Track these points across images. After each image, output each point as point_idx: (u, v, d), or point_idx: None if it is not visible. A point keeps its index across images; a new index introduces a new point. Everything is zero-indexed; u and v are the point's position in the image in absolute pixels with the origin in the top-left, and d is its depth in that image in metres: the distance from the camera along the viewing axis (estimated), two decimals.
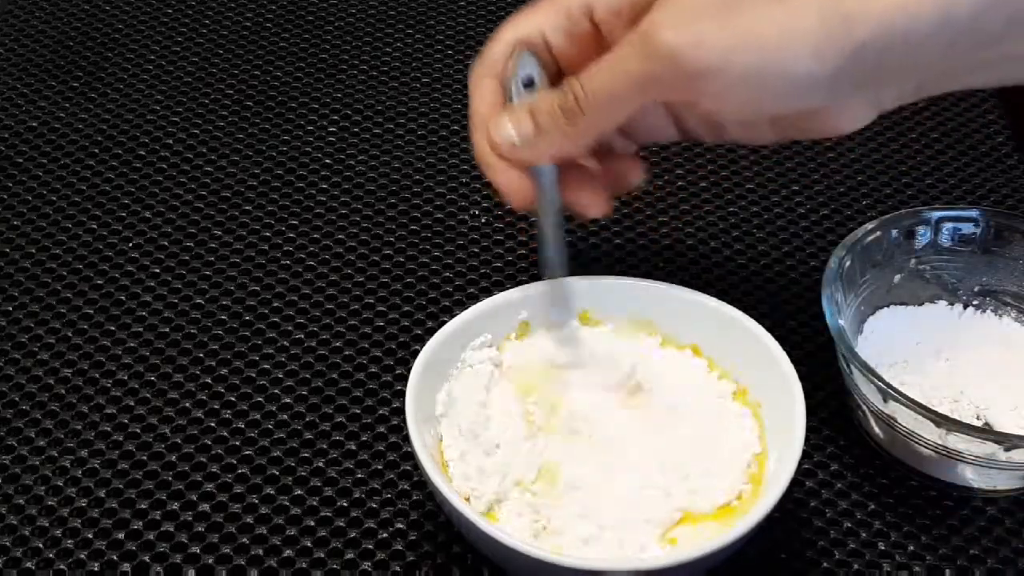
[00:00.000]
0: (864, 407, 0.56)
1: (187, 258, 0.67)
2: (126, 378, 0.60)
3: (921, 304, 0.61)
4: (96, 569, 0.52)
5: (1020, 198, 0.71)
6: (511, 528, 0.50)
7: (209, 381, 0.60)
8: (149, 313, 0.63)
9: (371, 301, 0.64)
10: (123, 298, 0.64)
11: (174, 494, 0.55)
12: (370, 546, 0.53)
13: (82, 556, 0.53)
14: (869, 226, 0.59)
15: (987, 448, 0.52)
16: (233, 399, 0.59)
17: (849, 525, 0.55)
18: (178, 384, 0.60)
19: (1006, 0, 0.45)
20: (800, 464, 0.50)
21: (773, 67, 0.46)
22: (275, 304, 0.64)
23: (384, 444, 0.57)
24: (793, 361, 0.53)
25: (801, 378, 0.52)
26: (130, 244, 0.67)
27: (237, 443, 0.57)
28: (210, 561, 0.53)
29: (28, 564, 0.53)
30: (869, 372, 0.53)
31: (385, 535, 0.54)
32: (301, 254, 0.67)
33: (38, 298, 0.64)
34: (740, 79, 0.46)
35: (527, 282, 0.58)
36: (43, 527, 0.54)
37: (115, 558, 0.53)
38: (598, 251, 0.67)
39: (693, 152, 0.73)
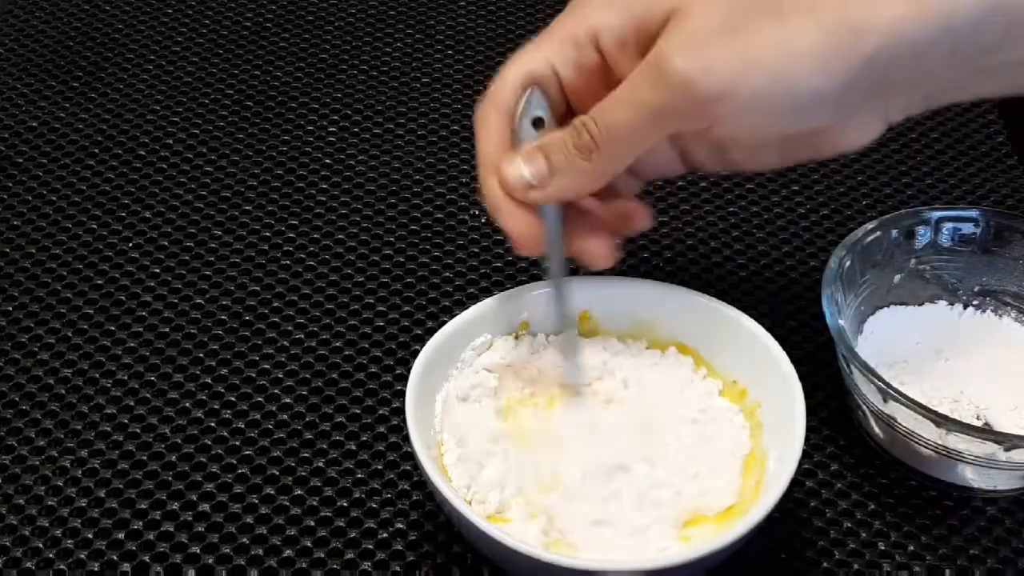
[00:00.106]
0: (864, 407, 0.56)
1: (187, 258, 0.67)
2: (126, 378, 0.60)
3: (921, 304, 0.61)
4: (96, 569, 0.52)
5: (1020, 198, 0.71)
6: (523, 539, 0.50)
7: (209, 381, 0.60)
8: (149, 313, 0.63)
9: (371, 301, 0.64)
10: (123, 298, 0.64)
11: (174, 494, 0.55)
12: (370, 546, 0.53)
13: (82, 556, 0.53)
14: (869, 226, 0.59)
15: (987, 448, 0.52)
16: (233, 399, 0.59)
17: (849, 525, 0.55)
18: (178, 384, 0.60)
19: (1004, 8, 0.45)
20: (800, 464, 0.50)
21: (782, 86, 0.46)
22: (275, 304, 0.64)
23: (384, 444, 0.57)
24: (793, 361, 0.53)
25: (801, 378, 0.52)
26: (130, 244, 0.67)
27: (237, 443, 0.57)
28: (210, 561, 0.53)
29: (28, 564, 0.53)
30: (869, 372, 0.53)
31: (385, 535, 0.54)
32: (301, 254, 0.67)
33: (38, 298, 0.64)
34: (751, 101, 0.46)
35: (527, 282, 0.58)
36: (43, 527, 0.54)
37: (115, 558, 0.53)
38: None
39: None
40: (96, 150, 0.73)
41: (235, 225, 0.69)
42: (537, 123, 0.52)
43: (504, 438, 0.53)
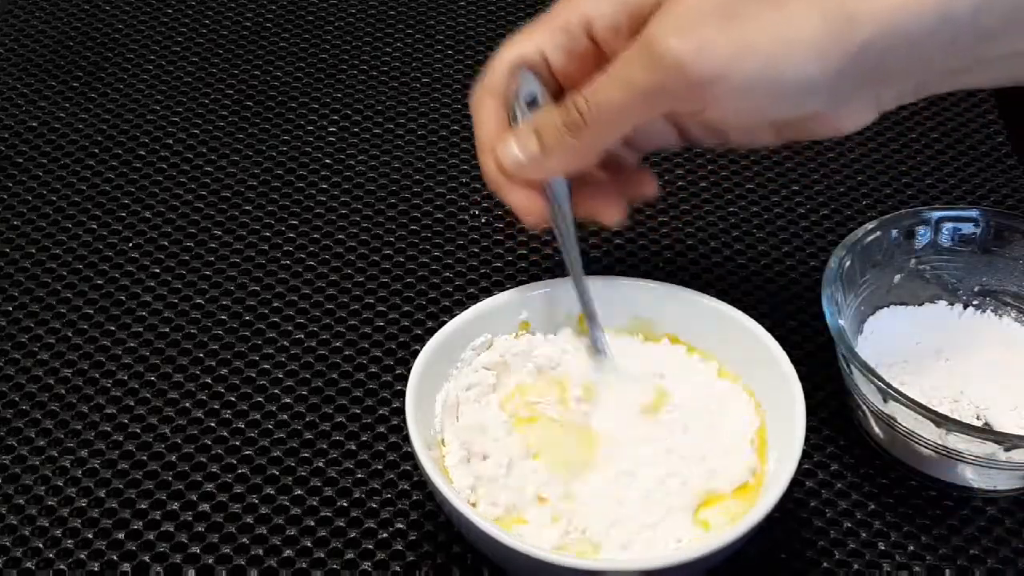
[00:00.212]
0: (864, 407, 0.56)
1: (187, 258, 0.67)
2: (126, 378, 0.60)
3: (921, 304, 0.61)
4: (96, 569, 0.52)
5: (1020, 198, 0.71)
6: (541, 539, 0.49)
7: (209, 381, 0.60)
8: (149, 313, 0.63)
9: (371, 301, 0.64)
10: (123, 298, 0.64)
11: (174, 494, 0.55)
12: (370, 546, 0.53)
13: (82, 556, 0.53)
14: (869, 226, 0.59)
15: (987, 448, 0.52)
16: (233, 399, 0.59)
17: (849, 525, 0.55)
18: (178, 384, 0.60)
19: None
20: (800, 464, 0.50)
21: (776, 72, 0.46)
22: (275, 304, 0.64)
23: (384, 444, 0.57)
24: (793, 361, 0.53)
25: (801, 378, 0.52)
26: (130, 244, 0.67)
27: (237, 443, 0.57)
28: (210, 561, 0.53)
29: (28, 564, 0.53)
30: (869, 372, 0.53)
31: (385, 535, 0.54)
32: (301, 254, 0.67)
33: (38, 298, 0.64)
34: (744, 85, 0.46)
35: (527, 282, 0.58)
36: (43, 527, 0.54)
37: (115, 558, 0.53)
38: (598, 251, 0.67)
39: (693, 152, 0.73)
40: (96, 150, 0.73)
41: (235, 225, 0.69)
42: (532, 103, 0.53)
43: (508, 438, 0.53)
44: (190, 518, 0.54)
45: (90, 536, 0.54)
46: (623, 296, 0.57)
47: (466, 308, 0.56)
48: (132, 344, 0.62)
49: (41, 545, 0.53)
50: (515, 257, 0.67)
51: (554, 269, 0.65)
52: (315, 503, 0.55)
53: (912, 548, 0.54)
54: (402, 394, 0.52)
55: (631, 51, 0.48)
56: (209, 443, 0.57)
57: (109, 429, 0.58)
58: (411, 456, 0.55)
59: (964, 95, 0.78)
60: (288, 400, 0.59)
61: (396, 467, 0.57)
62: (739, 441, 0.53)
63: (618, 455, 0.52)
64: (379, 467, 0.57)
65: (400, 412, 0.55)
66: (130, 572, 0.52)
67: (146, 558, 0.53)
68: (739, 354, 0.55)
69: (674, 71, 0.46)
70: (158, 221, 0.69)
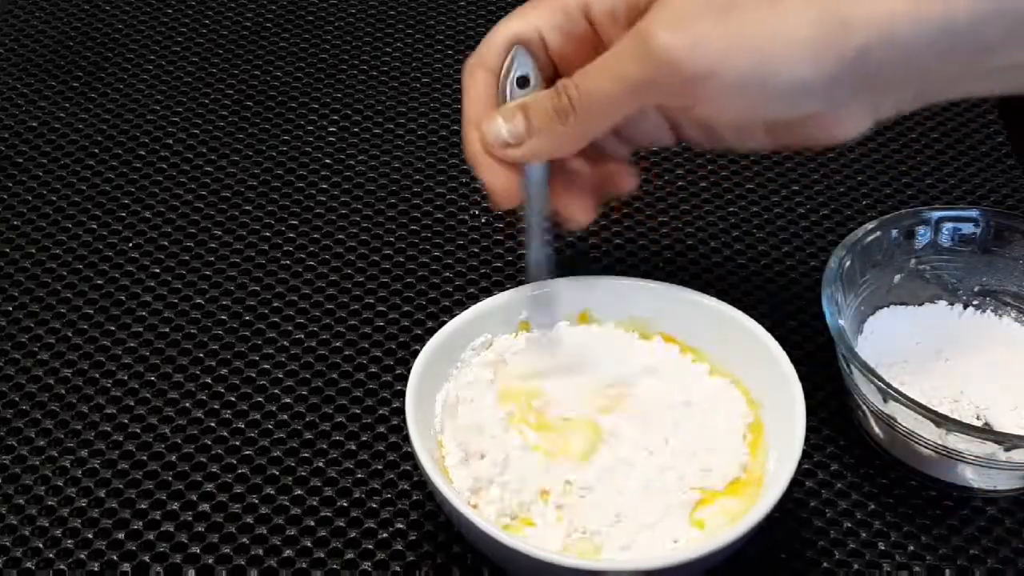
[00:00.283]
0: (864, 407, 0.56)
1: (187, 258, 0.67)
2: (126, 378, 0.60)
3: (921, 304, 0.61)
4: (96, 569, 0.52)
5: (1020, 198, 0.71)
6: (547, 542, 0.49)
7: (209, 381, 0.60)
8: (149, 313, 0.63)
9: (371, 301, 0.64)
10: (123, 298, 0.64)
11: (174, 494, 0.55)
12: (370, 546, 0.53)
13: (82, 556, 0.53)
14: (869, 226, 0.59)
15: (987, 448, 0.52)
16: (233, 399, 0.59)
17: (849, 525, 0.55)
18: (178, 384, 0.60)
19: (1005, 9, 0.45)
20: (800, 464, 0.50)
21: (769, 71, 0.46)
22: (275, 304, 0.64)
23: (384, 444, 0.57)
24: (793, 361, 0.53)
25: (801, 378, 0.52)
26: (130, 244, 0.67)
27: (237, 443, 0.57)
28: (210, 561, 0.53)
29: (28, 564, 0.53)
30: (869, 372, 0.53)
31: (385, 535, 0.54)
32: (301, 254, 0.67)
33: (38, 298, 0.64)
34: (735, 83, 0.46)
35: (527, 282, 0.58)
36: (43, 527, 0.54)
37: (115, 558, 0.53)
38: (598, 251, 0.67)
39: (693, 152, 0.73)
40: (96, 150, 0.73)
41: (235, 225, 0.69)
42: (523, 82, 0.53)
43: (505, 435, 0.53)
44: (190, 518, 0.54)
45: (90, 536, 0.54)
46: (622, 296, 0.57)
47: (466, 308, 0.56)
48: (132, 344, 0.62)
49: (41, 545, 0.53)
50: (515, 257, 0.67)
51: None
52: (315, 503, 0.55)
53: (912, 548, 0.54)
54: (402, 394, 0.52)
55: (624, 42, 0.48)
56: (209, 443, 0.57)
57: (109, 429, 0.58)
58: (411, 456, 0.55)
59: None
60: (288, 400, 0.59)
61: (396, 467, 0.57)
62: (731, 437, 0.53)
63: (616, 447, 0.52)
64: (379, 467, 0.57)
65: (400, 412, 0.55)
66: (130, 572, 0.52)
67: (146, 558, 0.53)
68: (739, 354, 0.55)
69: (666, 65, 0.46)
70: (158, 221, 0.69)
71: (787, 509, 0.55)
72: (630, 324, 0.57)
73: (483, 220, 0.69)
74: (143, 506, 0.55)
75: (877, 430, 0.56)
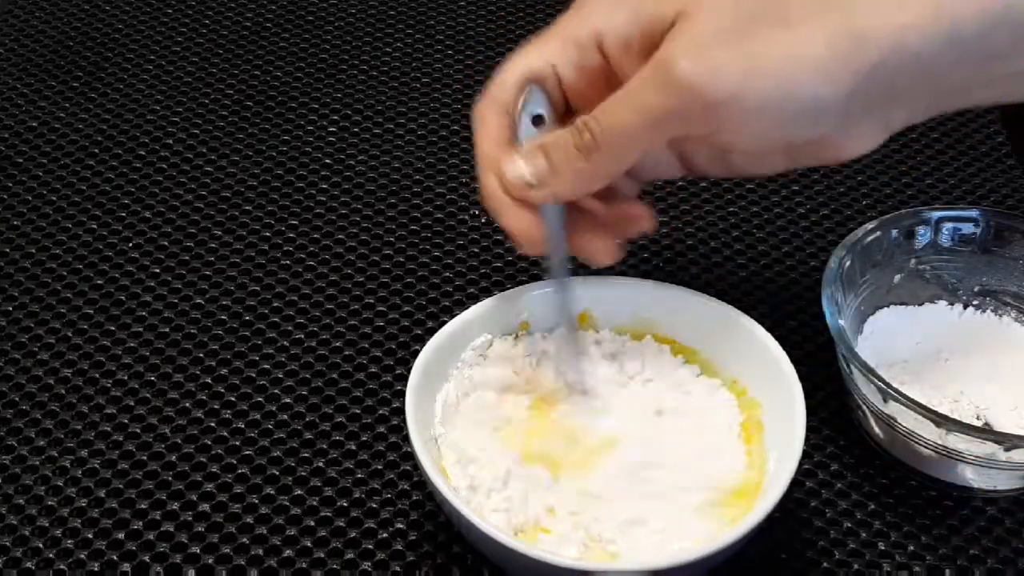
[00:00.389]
0: (864, 407, 0.56)
1: (187, 258, 0.67)
2: (126, 378, 0.60)
3: (921, 304, 0.61)
4: (96, 569, 0.52)
5: (1020, 198, 0.71)
6: (562, 552, 0.49)
7: (209, 381, 0.60)
8: (149, 313, 0.63)
9: (371, 301, 0.64)
10: (123, 298, 0.64)
11: (174, 494, 0.55)
12: (370, 546, 0.53)
13: (82, 556, 0.53)
14: (869, 226, 0.59)
15: (987, 448, 0.52)
16: (233, 399, 0.59)
17: (849, 525, 0.55)
18: (178, 384, 0.60)
19: (1011, 17, 0.45)
20: (800, 464, 0.50)
21: (788, 92, 0.46)
22: (275, 304, 0.64)
23: (384, 444, 0.57)
24: (793, 361, 0.53)
25: (801, 378, 0.52)
26: (130, 244, 0.67)
27: (237, 443, 0.57)
28: (210, 561, 0.53)
29: (28, 564, 0.53)
30: (869, 372, 0.53)
31: (385, 535, 0.54)
32: (301, 254, 0.67)
33: (38, 298, 0.64)
34: (757, 106, 0.46)
35: (527, 282, 0.58)
36: (43, 527, 0.54)
37: (115, 558, 0.53)
38: None
39: None
40: (96, 150, 0.73)
41: (235, 225, 0.69)
42: (537, 120, 0.52)
43: (504, 449, 0.53)
44: (190, 518, 0.54)
45: (90, 536, 0.54)
46: (622, 296, 0.57)
47: (466, 308, 0.56)
48: (132, 344, 0.62)
49: (41, 545, 0.53)
50: (515, 257, 0.67)
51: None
52: (315, 503, 0.55)
53: (912, 548, 0.54)
54: (402, 394, 0.52)
55: (644, 73, 0.47)
56: (209, 443, 0.57)
57: (109, 429, 0.58)
58: (411, 456, 0.55)
59: None
60: (288, 400, 0.59)
61: (396, 467, 0.57)
62: (727, 436, 0.53)
63: (618, 456, 0.52)
64: (379, 467, 0.57)
65: (400, 412, 0.55)
66: (130, 572, 0.52)
67: (146, 558, 0.53)
68: (739, 354, 0.55)
69: (688, 94, 0.46)
70: (158, 221, 0.69)
71: (787, 509, 0.55)
72: (630, 324, 0.57)
73: (483, 220, 0.69)
74: (143, 506, 0.55)
75: (877, 430, 0.56)
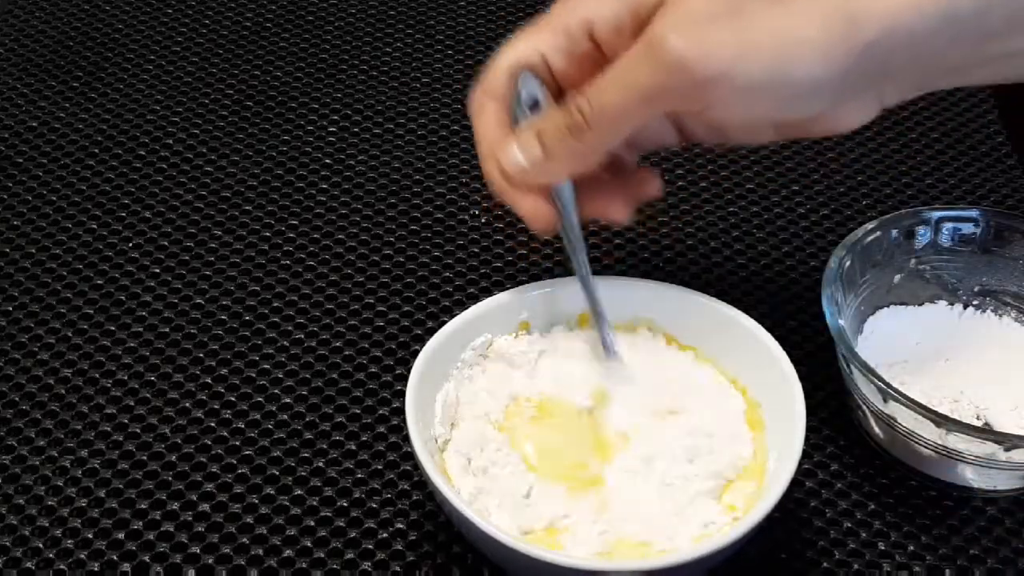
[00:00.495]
0: (864, 407, 0.56)
1: (187, 258, 0.67)
2: (126, 378, 0.60)
3: (921, 304, 0.61)
4: (96, 569, 0.52)
5: (1020, 198, 0.71)
6: (582, 555, 0.49)
7: (209, 381, 0.60)
8: (149, 313, 0.63)
9: (371, 301, 0.64)
10: (123, 298, 0.64)
11: (174, 494, 0.55)
12: (370, 546, 0.53)
13: (82, 556, 0.53)
14: (869, 226, 0.59)
15: (987, 448, 0.52)
16: (233, 399, 0.59)
17: (849, 525, 0.55)
18: (178, 384, 0.60)
19: None
20: (800, 464, 0.50)
21: (780, 72, 0.46)
22: (275, 304, 0.64)
23: (384, 444, 0.57)
24: (793, 361, 0.53)
25: (801, 378, 0.52)
26: (130, 244, 0.67)
27: (237, 443, 0.57)
28: (210, 561, 0.53)
29: (28, 564, 0.53)
30: (869, 372, 0.53)
31: (385, 535, 0.54)
32: (301, 254, 0.67)
33: (38, 298, 0.64)
34: (748, 85, 0.46)
35: (527, 282, 0.58)
36: (43, 527, 0.54)
37: (115, 558, 0.53)
38: (598, 251, 0.67)
39: (693, 152, 0.74)
40: (96, 150, 0.73)
41: (235, 225, 0.69)
42: (534, 106, 0.52)
43: (515, 454, 0.52)
44: (190, 518, 0.54)
45: (90, 536, 0.54)
46: (623, 296, 0.57)
47: (466, 308, 0.56)
48: (132, 344, 0.62)
49: (41, 545, 0.53)
50: (515, 257, 0.67)
51: (554, 269, 0.65)
52: (315, 503, 0.55)
53: (912, 548, 0.54)
54: (402, 394, 0.52)
55: (634, 51, 0.47)
56: (209, 443, 0.57)
57: (109, 429, 0.58)
58: (411, 456, 0.55)
59: (964, 95, 0.78)
60: (288, 400, 0.59)
61: (396, 467, 0.57)
62: (732, 419, 0.53)
63: (624, 450, 0.52)
64: (379, 467, 0.57)
65: (400, 412, 0.55)
66: (130, 572, 0.52)
67: (146, 558, 0.53)
68: (739, 354, 0.55)
69: (678, 71, 0.46)
70: (158, 221, 0.69)
71: (787, 509, 0.55)
72: (630, 324, 0.57)
73: (483, 220, 0.69)
74: (143, 506, 0.55)
75: (877, 430, 0.56)
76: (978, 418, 0.56)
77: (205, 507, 0.55)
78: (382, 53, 0.81)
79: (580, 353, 0.56)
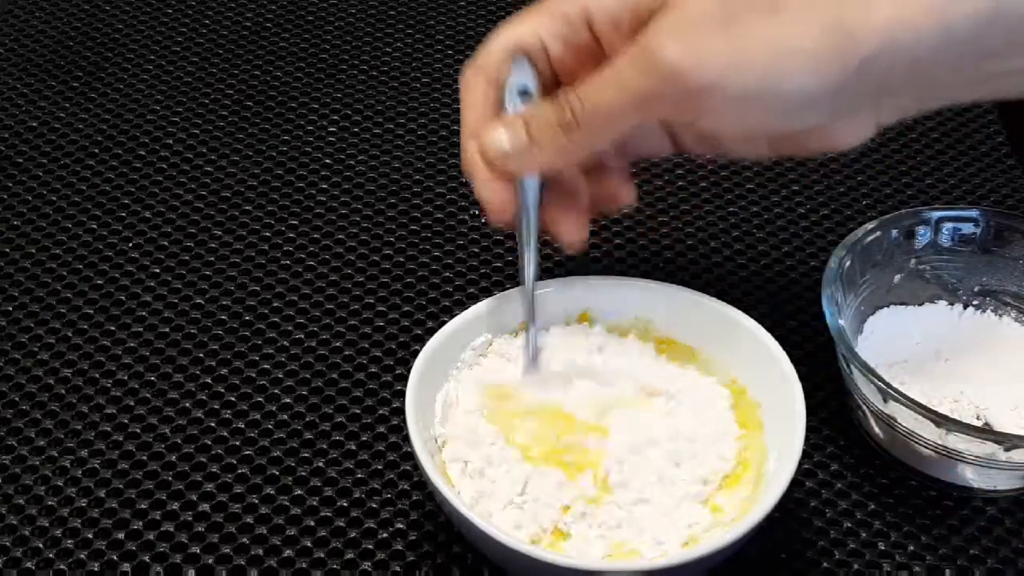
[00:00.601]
0: (864, 407, 0.56)
1: (187, 258, 0.67)
2: (126, 378, 0.60)
3: (921, 304, 0.61)
4: (96, 569, 0.52)
5: (1020, 198, 0.71)
6: (587, 556, 0.49)
7: (209, 381, 0.60)
8: (149, 313, 0.63)
9: (371, 301, 0.64)
10: (123, 298, 0.64)
11: (174, 494, 0.55)
12: (370, 546, 0.53)
13: (82, 556, 0.53)
14: (869, 226, 0.59)
15: (987, 448, 0.52)
16: (233, 399, 0.59)
17: (849, 525, 0.55)
18: (178, 384, 0.60)
19: (1006, 14, 0.45)
20: (800, 464, 0.50)
21: (773, 84, 0.45)
22: (275, 304, 0.64)
23: (384, 444, 0.57)
24: (793, 361, 0.53)
25: (801, 378, 0.52)
26: (130, 244, 0.67)
27: (237, 443, 0.57)
28: (210, 561, 0.53)
29: (28, 564, 0.53)
30: (869, 372, 0.53)
31: (385, 535, 0.54)
32: (301, 254, 0.67)
33: (38, 298, 0.64)
34: (740, 96, 0.46)
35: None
36: (43, 527, 0.54)
37: (115, 558, 0.53)
38: (598, 251, 0.67)
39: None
40: (96, 150, 0.73)
41: (235, 225, 0.69)
42: (523, 93, 0.52)
43: (516, 454, 0.52)
44: (190, 518, 0.54)
45: (90, 536, 0.54)
46: (622, 296, 0.57)
47: (466, 308, 0.56)
48: (132, 344, 0.62)
49: (41, 545, 0.53)
50: (515, 257, 0.67)
51: (553, 269, 0.65)
52: (315, 503, 0.55)
53: (912, 548, 0.54)
54: (402, 394, 0.52)
55: (628, 54, 0.47)
56: (209, 443, 0.57)
57: (109, 429, 0.58)
58: (411, 456, 0.55)
59: None
60: (288, 400, 0.59)
61: (396, 467, 0.57)
62: (721, 419, 0.53)
63: (622, 448, 0.52)
64: (379, 467, 0.57)
65: (400, 412, 0.55)
66: (130, 572, 0.52)
67: (146, 558, 0.53)
68: (739, 354, 0.55)
69: (671, 78, 0.46)
70: (158, 221, 0.69)
71: (787, 509, 0.55)
72: (631, 324, 0.57)
73: (483, 220, 0.69)
74: (143, 506, 0.55)
75: (877, 430, 0.56)
76: (978, 418, 0.56)
77: (205, 507, 0.55)
78: (382, 53, 0.81)
79: (577, 347, 0.56)
